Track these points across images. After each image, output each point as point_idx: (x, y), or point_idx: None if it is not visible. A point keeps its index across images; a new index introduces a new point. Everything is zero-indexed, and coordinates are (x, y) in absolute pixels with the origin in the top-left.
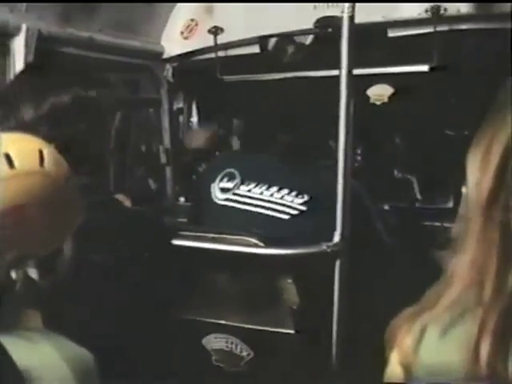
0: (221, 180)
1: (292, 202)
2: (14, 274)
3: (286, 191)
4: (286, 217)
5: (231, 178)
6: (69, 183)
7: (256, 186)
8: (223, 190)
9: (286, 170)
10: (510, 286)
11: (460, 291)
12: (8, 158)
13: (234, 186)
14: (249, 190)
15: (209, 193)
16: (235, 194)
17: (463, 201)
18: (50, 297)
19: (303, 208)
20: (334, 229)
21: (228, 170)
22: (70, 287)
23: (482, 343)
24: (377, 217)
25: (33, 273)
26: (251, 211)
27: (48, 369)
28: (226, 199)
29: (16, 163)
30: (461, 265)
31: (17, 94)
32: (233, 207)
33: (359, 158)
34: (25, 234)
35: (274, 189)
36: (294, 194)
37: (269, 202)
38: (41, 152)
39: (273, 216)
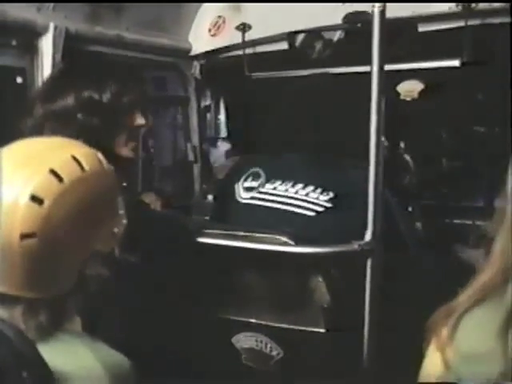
0: (245, 180)
1: (317, 198)
2: (89, 272)
3: (311, 188)
4: (311, 213)
5: (256, 177)
6: (117, 180)
7: (281, 183)
8: (248, 189)
9: (311, 168)
10: None
11: (490, 276)
12: (76, 160)
13: (259, 185)
14: (274, 188)
15: (233, 192)
16: (260, 192)
17: (501, 198)
18: (94, 298)
19: (329, 205)
20: (359, 226)
21: (253, 169)
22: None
23: (510, 327)
24: (402, 221)
25: (102, 271)
26: (276, 208)
27: (84, 371)
28: (251, 198)
29: (85, 166)
30: (493, 253)
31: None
32: (258, 205)
33: None
34: (94, 231)
35: (300, 186)
36: (319, 191)
37: (294, 198)
38: (97, 155)
39: (298, 213)
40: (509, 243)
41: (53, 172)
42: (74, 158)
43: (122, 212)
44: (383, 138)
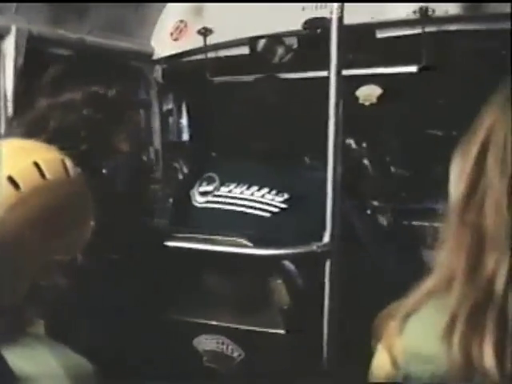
0: (200, 185)
1: (272, 200)
2: (43, 283)
3: (266, 190)
4: (267, 215)
5: (210, 181)
6: (87, 190)
7: (236, 186)
8: (203, 194)
9: (265, 171)
10: (481, 280)
11: (433, 283)
12: (38, 167)
13: (214, 189)
14: (229, 191)
15: (188, 198)
16: (215, 196)
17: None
18: (53, 305)
19: (284, 206)
20: (315, 226)
21: (207, 174)
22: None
23: (454, 331)
24: (359, 223)
25: (60, 280)
26: (232, 211)
27: (46, 376)
28: (207, 201)
29: (46, 174)
30: (437, 259)
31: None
32: (213, 208)
33: None
34: (53, 241)
35: (254, 188)
36: (274, 192)
37: (249, 200)
38: (63, 162)
39: (254, 214)
40: (453, 248)
41: (10, 179)
42: (36, 165)
43: (88, 219)
44: (352, 142)
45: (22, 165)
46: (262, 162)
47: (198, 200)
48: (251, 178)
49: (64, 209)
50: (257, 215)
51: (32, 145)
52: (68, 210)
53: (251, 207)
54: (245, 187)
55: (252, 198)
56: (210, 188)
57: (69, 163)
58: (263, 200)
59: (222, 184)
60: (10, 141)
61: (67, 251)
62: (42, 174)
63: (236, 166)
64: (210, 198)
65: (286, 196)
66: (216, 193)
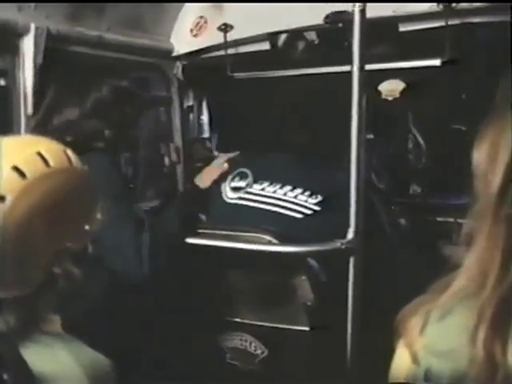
0: (232, 179)
1: (306, 201)
2: (57, 270)
3: (299, 191)
4: (299, 216)
5: (243, 177)
6: (90, 179)
7: (269, 184)
8: (235, 189)
9: (299, 170)
10: (509, 278)
11: (464, 283)
12: (41, 156)
13: (247, 185)
14: (262, 189)
15: (219, 192)
16: (247, 193)
17: (474, 196)
18: (69, 300)
19: (317, 208)
20: (346, 228)
21: (240, 169)
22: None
23: (479, 329)
24: (385, 217)
25: (73, 268)
26: (264, 209)
27: (63, 374)
28: (239, 198)
29: (50, 162)
30: (469, 259)
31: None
32: (245, 205)
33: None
34: (61, 228)
35: (288, 188)
36: (307, 193)
37: (282, 200)
38: (65, 152)
39: (286, 214)
40: (486, 247)
41: (15, 168)
42: (40, 155)
43: (95, 209)
44: (372, 136)
45: (26, 155)
46: (294, 160)
47: (230, 195)
48: (284, 177)
49: (68, 196)
50: (289, 216)
51: (34, 138)
52: (74, 197)
53: (284, 207)
54: (278, 186)
55: (285, 197)
56: (242, 184)
57: (70, 153)
58: (296, 201)
59: (255, 181)
60: (12, 136)
61: (77, 239)
62: (46, 163)
63: (269, 164)
64: (242, 195)
65: (319, 198)
66: (248, 189)
